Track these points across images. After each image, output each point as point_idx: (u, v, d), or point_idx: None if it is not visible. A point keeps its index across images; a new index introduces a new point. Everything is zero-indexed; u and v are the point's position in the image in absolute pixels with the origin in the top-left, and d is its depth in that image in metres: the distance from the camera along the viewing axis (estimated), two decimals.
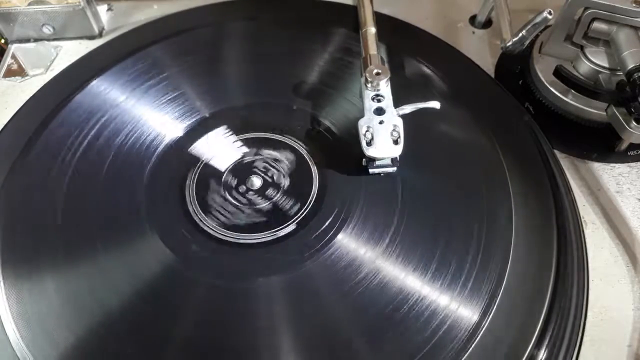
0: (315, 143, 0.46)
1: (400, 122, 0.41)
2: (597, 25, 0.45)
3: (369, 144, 0.41)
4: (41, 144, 0.46)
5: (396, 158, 0.41)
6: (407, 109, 0.42)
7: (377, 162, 0.42)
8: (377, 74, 0.43)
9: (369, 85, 0.43)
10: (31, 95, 0.52)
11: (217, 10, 0.59)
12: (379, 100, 0.42)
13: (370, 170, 0.42)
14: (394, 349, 0.35)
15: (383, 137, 0.41)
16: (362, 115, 0.42)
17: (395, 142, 0.41)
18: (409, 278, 0.38)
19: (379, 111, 0.42)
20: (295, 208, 0.42)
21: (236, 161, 0.45)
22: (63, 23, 0.59)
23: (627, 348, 0.39)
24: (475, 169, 0.44)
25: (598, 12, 0.44)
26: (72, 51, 0.59)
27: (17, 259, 0.40)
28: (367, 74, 0.43)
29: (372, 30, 0.49)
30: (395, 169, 0.42)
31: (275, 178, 0.44)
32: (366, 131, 0.41)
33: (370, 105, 0.42)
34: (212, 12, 0.58)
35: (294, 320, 0.37)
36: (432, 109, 0.42)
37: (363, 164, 0.42)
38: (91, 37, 0.60)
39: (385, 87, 0.43)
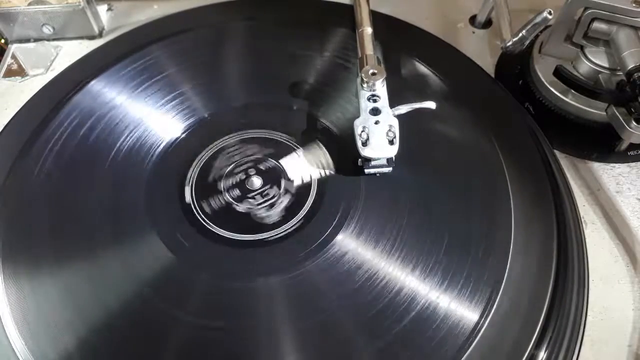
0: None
1: (395, 123, 0.41)
2: (597, 25, 0.45)
3: (364, 144, 0.41)
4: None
5: (392, 158, 0.41)
6: (403, 109, 0.42)
7: (373, 162, 0.42)
8: (373, 74, 0.43)
9: (364, 85, 0.43)
10: (31, 95, 0.52)
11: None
12: (374, 101, 0.42)
13: (366, 171, 0.42)
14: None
15: (378, 138, 0.41)
16: (359, 116, 0.42)
17: (391, 143, 0.40)
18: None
19: (375, 111, 0.42)
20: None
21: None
22: (63, 23, 0.59)
23: (627, 348, 0.39)
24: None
25: (598, 12, 0.44)
26: (72, 51, 0.59)
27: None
28: (363, 74, 0.43)
29: (368, 30, 0.49)
30: (390, 169, 0.42)
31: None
32: (362, 131, 0.41)
33: (366, 105, 0.42)
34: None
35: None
36: (429, 109, 0.42)
37: (359, 164, 0.42)
38: (91, 37, 0.60)
39: (381, 87, 0.43)
